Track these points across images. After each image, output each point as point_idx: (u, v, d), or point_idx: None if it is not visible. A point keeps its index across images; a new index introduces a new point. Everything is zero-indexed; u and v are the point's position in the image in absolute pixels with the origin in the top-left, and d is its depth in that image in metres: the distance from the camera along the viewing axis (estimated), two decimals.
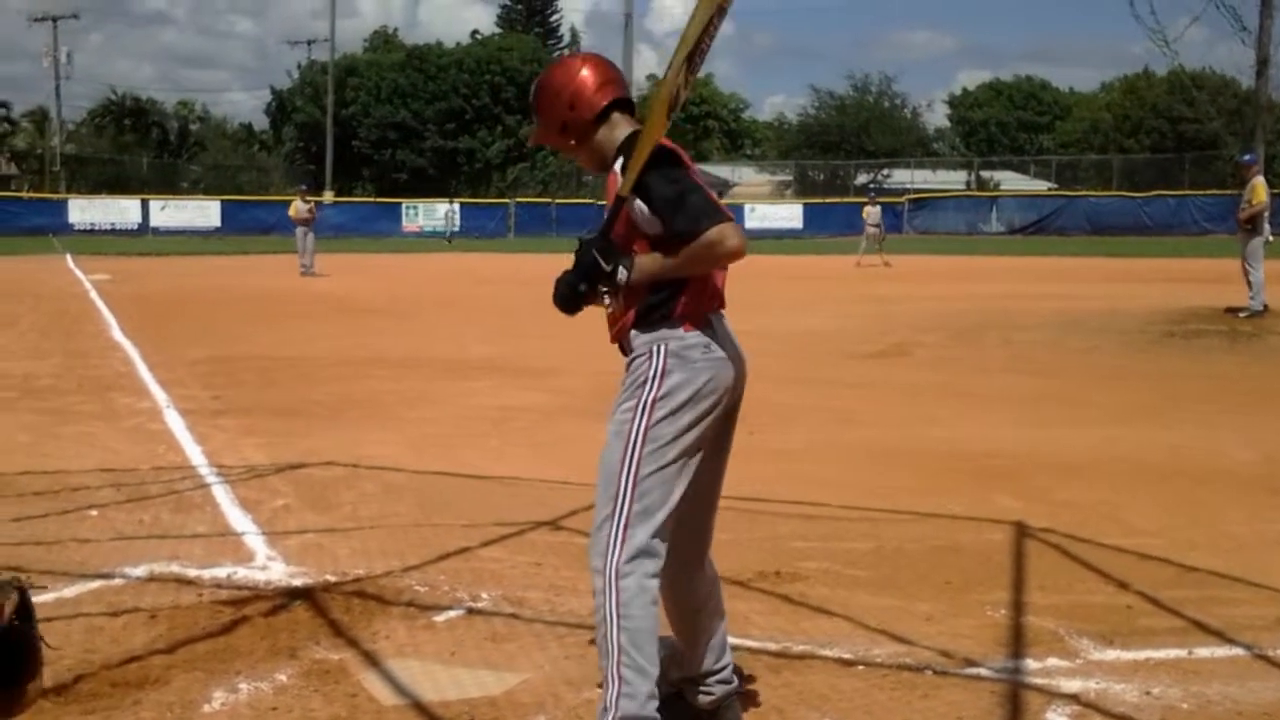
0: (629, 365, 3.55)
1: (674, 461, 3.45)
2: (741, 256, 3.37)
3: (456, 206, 59.12)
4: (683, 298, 3.48)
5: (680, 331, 3.48)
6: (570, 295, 3.51)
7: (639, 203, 3.42)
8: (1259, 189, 17.22)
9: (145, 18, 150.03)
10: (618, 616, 3.39)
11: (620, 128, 3.63)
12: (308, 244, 29.74)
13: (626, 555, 3.41)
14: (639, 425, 3.44)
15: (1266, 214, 17.38)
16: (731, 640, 3.89)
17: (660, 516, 3.44)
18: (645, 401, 3.45)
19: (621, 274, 3.43)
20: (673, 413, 3.44)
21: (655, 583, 3.45)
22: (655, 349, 3.48)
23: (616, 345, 3.64)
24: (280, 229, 43.00)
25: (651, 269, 3.43)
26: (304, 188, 36.97)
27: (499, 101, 77.13)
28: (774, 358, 12.66)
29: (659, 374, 3.46)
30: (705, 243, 3.32)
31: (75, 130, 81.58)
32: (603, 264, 3.43)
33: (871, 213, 35.17)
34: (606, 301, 3.54)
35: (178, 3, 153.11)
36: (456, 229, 56.55)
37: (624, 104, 3.66)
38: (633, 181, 3.41)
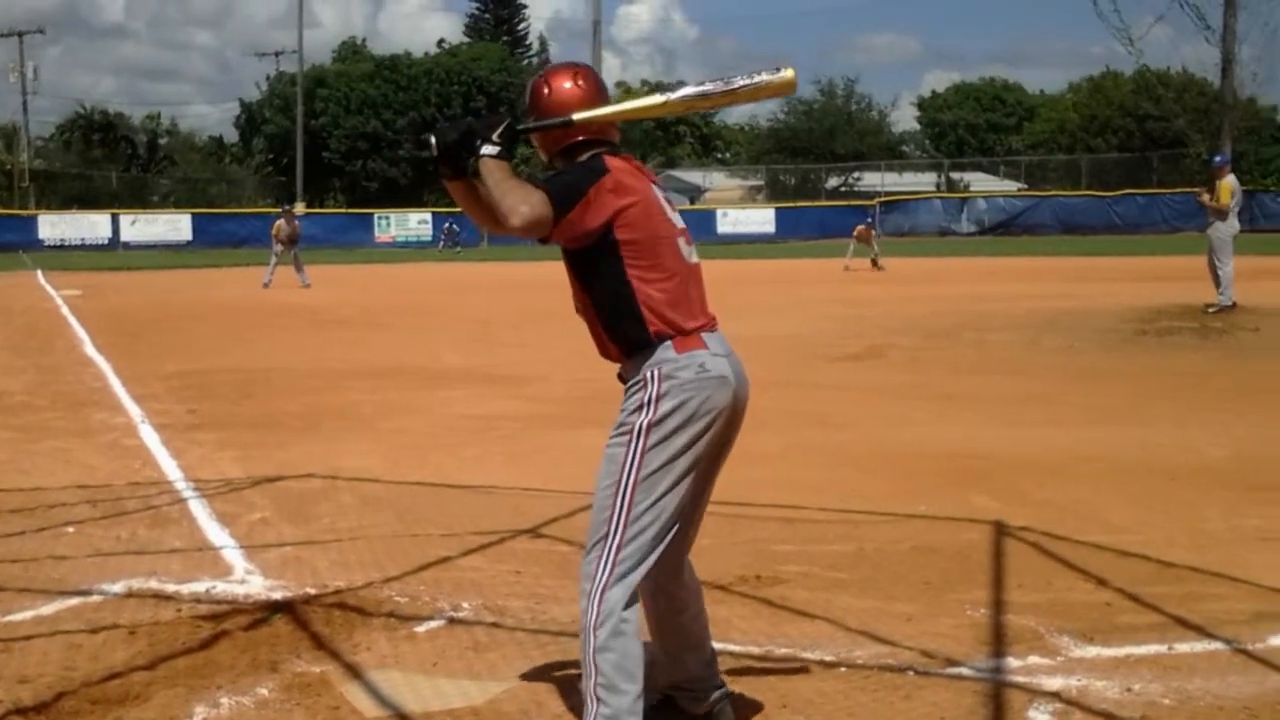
0: (626, 390, 3.56)
1: (668, 488, 3.46)
2: (509, 226, 3.47)
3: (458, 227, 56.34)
4: (647, 318, 3.49)
5: (671, 354, 3.49)
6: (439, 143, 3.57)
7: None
8: (1224, 190, 17.38)
9: (103, 30, 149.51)
10: (595, 637, 3.40)
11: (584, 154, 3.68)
12: (294, 259, 28.92)
13: (615, 579, 3.43)
14: (634, 451, 3.46)
15: (1237, 208, 17.56)
16: (713, 645, 3.89)
17: (651, 542, 3.46)
18: (640, 427, 3.46)
19: (488, 149, 3.48)
20: (666, 438, 3.45)
21: (636, 606, 3.47)
22: (650, 374, 3.49)
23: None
24: (252, 242, 42.67)
25: (490, 172, 3.47)
26: (287, 207, 33.28)
27: (469, 111, 77.12)
28: (750, 362, 12.63)
29: (654, 399, 3.47)
30: (519, 193, 3.41)
31: (43, 145, 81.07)
32: (489, 134, 3.50)
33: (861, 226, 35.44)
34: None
35: (136, 15, 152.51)
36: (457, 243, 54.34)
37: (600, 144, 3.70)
38: (587, 119, 3.58)
